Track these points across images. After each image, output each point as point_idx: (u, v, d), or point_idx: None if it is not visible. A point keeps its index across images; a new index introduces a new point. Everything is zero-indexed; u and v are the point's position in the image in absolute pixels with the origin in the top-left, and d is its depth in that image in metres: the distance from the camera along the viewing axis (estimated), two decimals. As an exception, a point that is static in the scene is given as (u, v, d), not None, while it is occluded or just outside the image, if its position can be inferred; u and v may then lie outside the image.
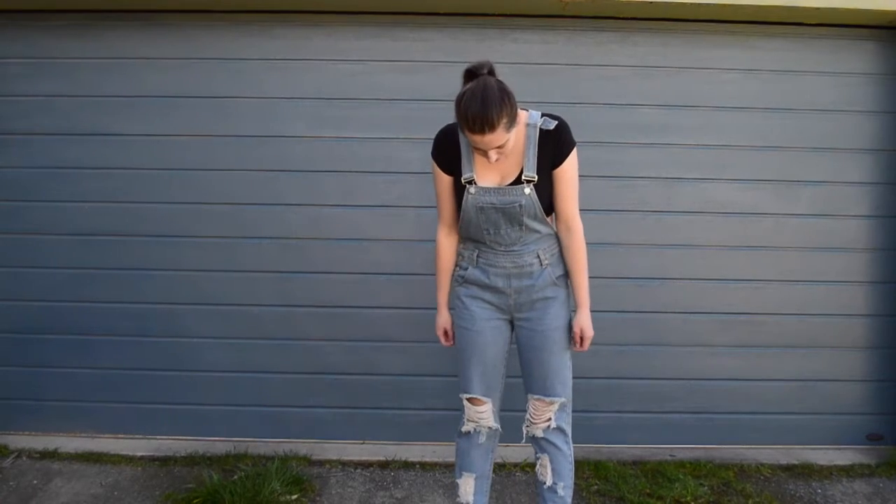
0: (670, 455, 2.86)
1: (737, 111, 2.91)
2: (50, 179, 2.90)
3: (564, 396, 1.92)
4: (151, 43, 2.87)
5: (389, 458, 2.80)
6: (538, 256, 1.88)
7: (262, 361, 2.94)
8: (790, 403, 2.97)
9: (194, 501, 2.42)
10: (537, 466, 2.00)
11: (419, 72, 2.85)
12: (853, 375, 2.98)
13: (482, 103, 1.60)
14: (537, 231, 1.87)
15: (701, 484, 2.60)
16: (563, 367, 1.92)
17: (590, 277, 2.84)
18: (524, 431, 1.98)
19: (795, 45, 2.90)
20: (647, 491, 2.54)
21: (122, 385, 2.94)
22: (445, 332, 2.06)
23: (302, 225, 2.91)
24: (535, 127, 1.80)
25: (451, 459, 2.66)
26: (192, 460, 2.77)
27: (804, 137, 2.92)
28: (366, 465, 2.78)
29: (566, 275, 1.94)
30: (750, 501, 2.51)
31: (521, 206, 1.80)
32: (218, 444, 2.88)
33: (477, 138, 1.66)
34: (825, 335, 2.96)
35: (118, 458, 2.78)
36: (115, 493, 2.52)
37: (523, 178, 1.79)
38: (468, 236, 1.92)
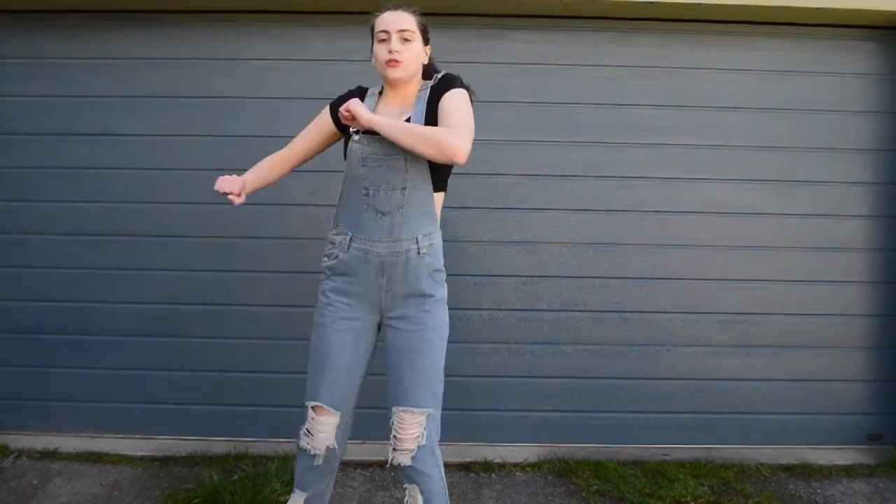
0: (664, 455, 2.86)
1: (737, 111, 2.92)
2: (50, 179, 2.90)
3: (433, 407, 1.71)
4: (151, 43, 2.87)
5: (389, 458, 2.79)
6: (416, 242, 1.71)
7: (262, 361, 2.94)
8: (790, 403, 2.97)
9: (194, 501, 2.41)
10: (406, 499, 1.75)
11: (419, 72, 2.85)
12: (853, 375, 2.98)
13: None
14: (420, 201, 1.71)
15: (701, 484, 2.60)
16: (434, 376, 1.72)
17: (589, 277, 2.89)
18: (390, 457, 1.73)
19: (795, 45, 2.90)
20: (647, 491, 2.54)
21: (122, 385, 2.94)
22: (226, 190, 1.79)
23: (302, 225, 2.91)
24: (426, 88, 1.76)
25: (451, 459, 2.68)
26: (192, 460, 2.77)
27: (804, 137, 2.92)
28: (366, 464, 2.77)
29: (444, 271, 1.80)
30: (750, 501, 2.51)
31: (406, 158, 1.67)
32: (218, 444, 2.88)
33: (387, 16, 1.72)
34: (825, 335, 2.96)
35: (118, 458, 2.77)
36: (116, 492, 2.51)
37: None
38: (346, 203, 1.76)
